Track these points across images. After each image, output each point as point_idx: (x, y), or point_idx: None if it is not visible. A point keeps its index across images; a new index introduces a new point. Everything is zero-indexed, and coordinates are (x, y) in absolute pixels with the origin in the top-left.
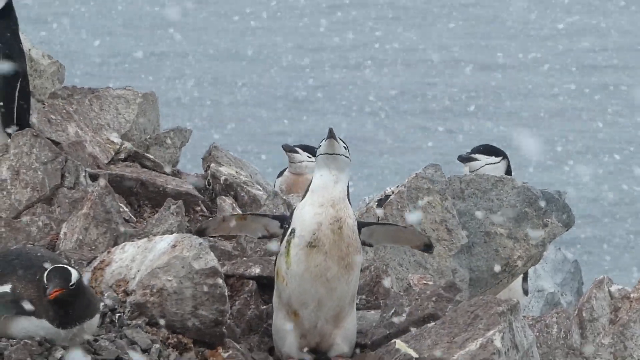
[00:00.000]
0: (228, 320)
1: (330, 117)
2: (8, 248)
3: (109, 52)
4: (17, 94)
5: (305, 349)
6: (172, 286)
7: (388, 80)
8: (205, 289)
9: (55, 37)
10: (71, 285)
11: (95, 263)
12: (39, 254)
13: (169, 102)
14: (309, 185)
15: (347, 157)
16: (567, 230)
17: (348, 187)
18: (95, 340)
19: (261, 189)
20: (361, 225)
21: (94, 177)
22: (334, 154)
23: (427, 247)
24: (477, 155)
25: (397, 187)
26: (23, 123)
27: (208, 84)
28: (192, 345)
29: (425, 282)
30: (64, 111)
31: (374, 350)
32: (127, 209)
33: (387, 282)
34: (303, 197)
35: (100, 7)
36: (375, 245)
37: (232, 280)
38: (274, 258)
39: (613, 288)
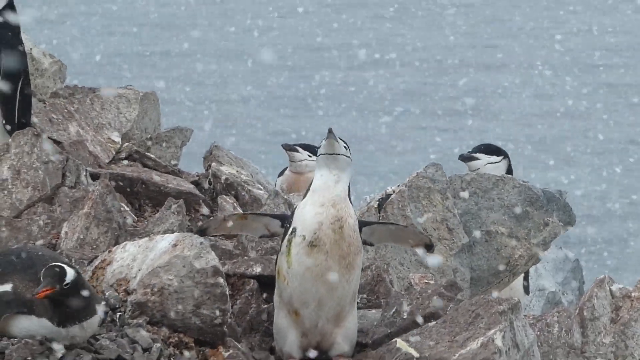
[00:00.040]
0: (229, 320)
1: (332, 117)
2: (9, 247)
3: (110, 51)
4: (18, 93)
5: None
6: (173, 285)
7: (390, 81)
8: (206, 288)
9: (58, 36)
10: (65, 285)
11: (96, 262)
12: (39, 253)
13: (171, 101)
14: (310, 185)
15: (348, 156)
16: (568, 229)
17: (349, 186)
18: (96, 340)
19: (262, 188)
20: (362, 224)
21: (95, 177)
22: (334, 153)
23: (428, 247)
24: (478, 155)
25: (398, 186)
26: (24, 122)
27: (210, 84)
28: (193, 345)
29: (426, 281)
30: (65, 110)
31: (375, 349)
32: (128, 208)
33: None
34: (304, 197)
35: (100, 6)
36: (376, 245)
37: (233, 280)
38: (275, 257)
39: (614, 287)
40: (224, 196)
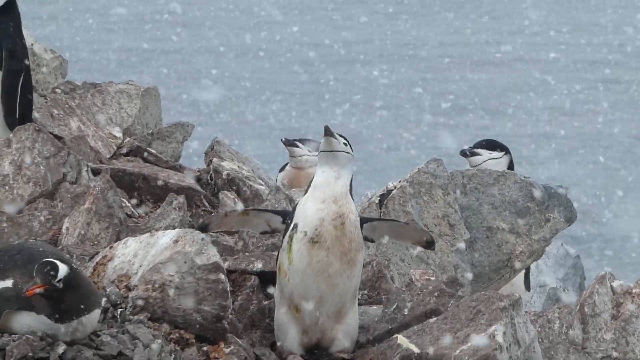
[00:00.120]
0: (230, 316)
1: (334, 113)
2: (10, 243)
3: (111, 47)
4: (19, 89)
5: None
6: (175, 281)
7: (392, 77)
8: (208, 284)
9: (60, 32)
10: (58, 281)
11: (98, 258)
12: (40, 249)
13: (173, 97)
14: (311, 181)
15: (348, 152)
16: (569, 225)
17: (351, 182)
18: (97, 336)
19: (263, 183)
20: (363, 220)
21: (96, 172)
22: (332, 151)
23: (429, 244)
24: (479, 150)
25: (399, 182)
26: (25, 118)
27: (211, 79)
28: (194, 341)
29: (427, 277)
30: (67, 106)
31: (376, 345)
32: (129, 204)
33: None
34: (305, 193)
35: (102, 5)
36: (377, 241)
37: (234, 276)
38: (276, 253)
39: (615, 283)
40: (225, 192)
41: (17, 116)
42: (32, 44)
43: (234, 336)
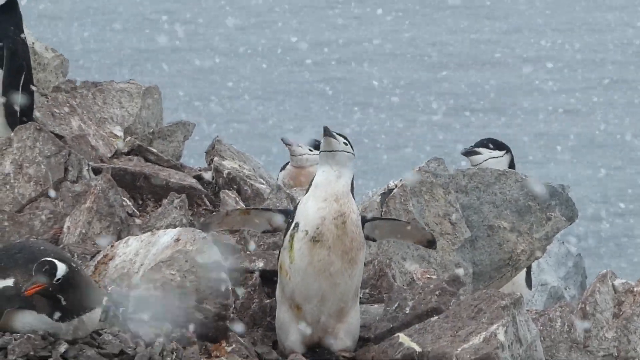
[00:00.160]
0: (232, 314)
1: (334, 113)
2: (11, 242)
3: (112, 46)
4: (20, 88)
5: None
6: (176, 280)
7: (393, 76)
8: (209, 283)
9: (61, 32)
10: (56, 280)
11: (99, 257)
12: (41, 248)
13: (174, 96)
14: (312, 180)
15: (349, 152)
16: (570, 224)
17: (353, 181)
18: (99, 334)
19: (264, 182)
20: (365, 219)
21: (97, 171)
22: (332, 150)
23: (430, 243)
24: (480, 149)
25: (401, 180)
26: (26, 117)
27: (211, 79)
28: (195, 340)
29: (428, 276)
30: (68, 105)
31: (378, 344)
32: (130, 203)
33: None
34: (306, 192)
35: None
36: (378, 240)
37: (235, 275)
38: (277, 252)
39: (617, 282)
40: (227, 191)
41: (18, 115)
42: (33, 43)
43: (236, 335)
